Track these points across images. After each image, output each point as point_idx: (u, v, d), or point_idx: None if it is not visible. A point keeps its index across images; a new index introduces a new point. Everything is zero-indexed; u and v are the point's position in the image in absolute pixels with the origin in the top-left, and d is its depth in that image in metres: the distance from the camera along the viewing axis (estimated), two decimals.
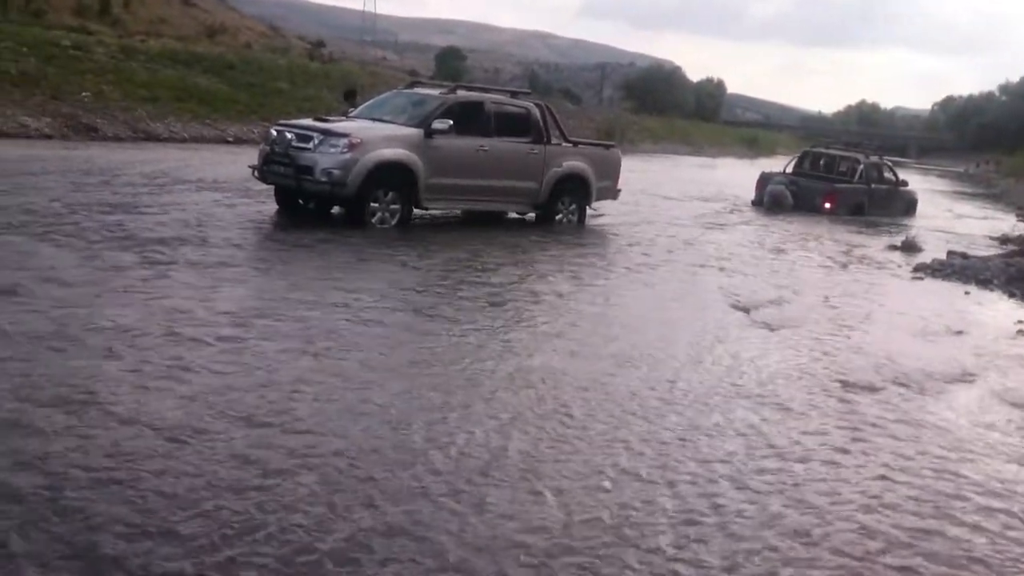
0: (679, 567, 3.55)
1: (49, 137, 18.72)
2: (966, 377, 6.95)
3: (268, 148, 11.40)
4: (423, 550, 3.46)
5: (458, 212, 12.76)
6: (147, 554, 3.24)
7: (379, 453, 4.31)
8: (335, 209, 11.60)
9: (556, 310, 7.87)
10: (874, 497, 4.42)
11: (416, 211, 11.63)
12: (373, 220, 10.98)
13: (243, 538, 3.41)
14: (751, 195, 20.60)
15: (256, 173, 11.64)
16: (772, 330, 7.86)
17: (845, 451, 5.02)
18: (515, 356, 6.20)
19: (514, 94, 13.73)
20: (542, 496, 4.02)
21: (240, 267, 8.19)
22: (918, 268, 12.41)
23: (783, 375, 6.43)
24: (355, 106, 13.28)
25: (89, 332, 5.64)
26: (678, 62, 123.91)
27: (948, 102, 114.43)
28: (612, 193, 14.18)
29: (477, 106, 12.25)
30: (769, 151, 60.01)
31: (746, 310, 8.58)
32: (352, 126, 11.44)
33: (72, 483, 3.68)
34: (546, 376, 5.79)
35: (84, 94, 21.55)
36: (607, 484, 4.22)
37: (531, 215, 13.17)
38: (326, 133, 11.00)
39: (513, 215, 13.19)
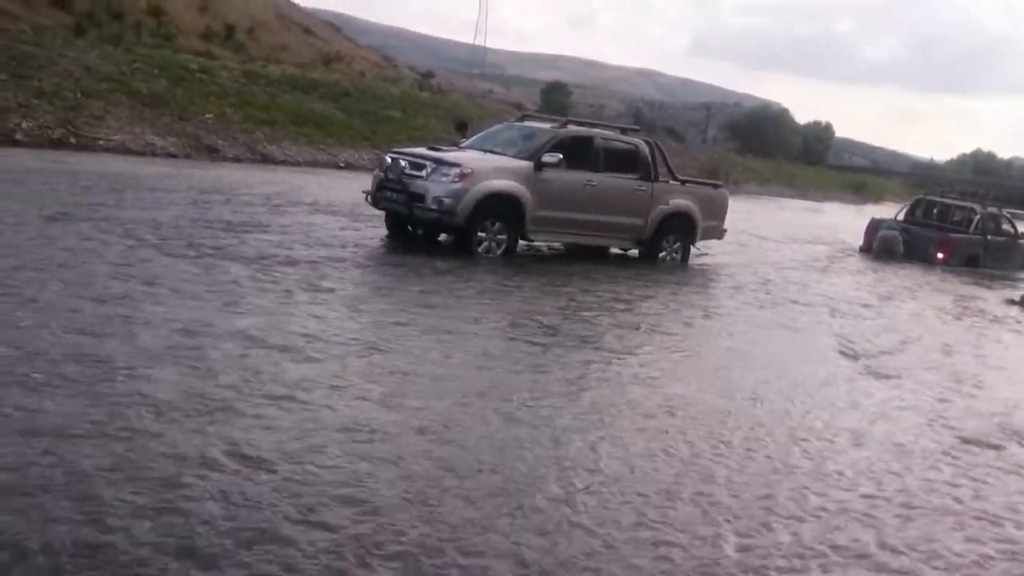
0: None
1: (173, 156, 19.69)
2: None
3: (382, 175, 11.72)
4: None
5: (560, 245, 12.86)
6: None
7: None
8: (443, 237, 11.83)
9: (667, 348, 7.82)
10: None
11: (521, 242, 11.76)
12: (480, 249, 11.16)
13: None
14: (859, 241, 20.10)
15: (369, 198, 11.98)
16: (886, 379, 7.64)
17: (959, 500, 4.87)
18: (646, 387, 6.22)
19: (624, 130, 13.78)
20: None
21: (351, 291, 8.43)
22: None
23: (901, 427, 6.24)
24: (466, 137, 13.56)
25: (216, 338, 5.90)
26: (785, 104, 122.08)
27: None
28: (718, 233, 14.05)
29: (587, 141, 12.35)
30: (877, 197, 58.43)
31: (858, 358, 8.38)
32: (464, 156, 11.67)
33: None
34: (682, 406, 5.89)
35: (208, 115, 22.58)
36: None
37: (634, 251, 13.15)
38: (438, 162, 11.26)
39: (616, 250, 13.20)
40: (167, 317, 6.34)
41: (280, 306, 7.24)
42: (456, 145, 12.99)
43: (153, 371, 5.18)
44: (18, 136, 17.75)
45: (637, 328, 8.56)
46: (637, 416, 5.69)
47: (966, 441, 6.10)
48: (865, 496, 4.81)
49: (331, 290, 8.11)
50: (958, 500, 4.97)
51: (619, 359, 7.15)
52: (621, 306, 9.50)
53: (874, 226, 20.03)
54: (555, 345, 7.27)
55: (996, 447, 6.07)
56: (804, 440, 5.61)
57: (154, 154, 19.43)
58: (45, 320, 5.86)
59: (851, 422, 6.19)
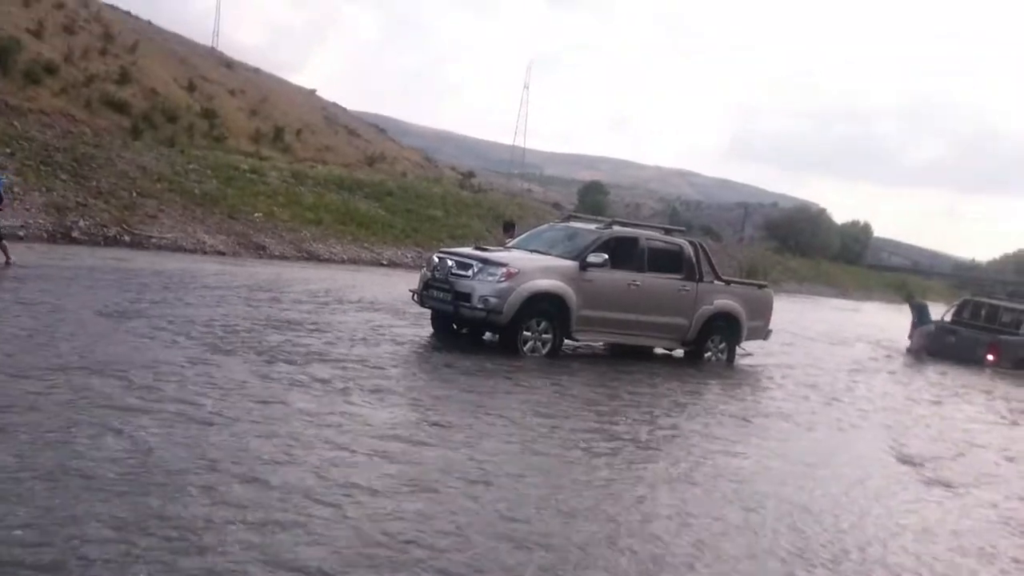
0: None
1: (222, 253, 20.16)
2: None
3: (429, 274, 11.87)
4: None
5: (601, 345, 12.84)
6: None
7: None
8: (488, 335, 11.88)
9: (717, 455, 7.69)
10: None
11: (566, 341, 11.77)
12: (525, 348, 11.18)
13: None
14: (904, 341, 19.85)
15: (416, 297, 12.11)
16: (949, 488, 7.43)
17: None
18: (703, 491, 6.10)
19: (668, 231, 13.89)
20: None
21: (399, 392, 8.45)
22: None
23: (961, 541, 6.03)
24: (513, 237, 13.74)
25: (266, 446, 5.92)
26: (823, 204, 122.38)
27: None
28: (763, 333, 13.97)
29: (632, 241, 12.45)
30: (920, 297, 57.80)
31: (915, 464, 8.17)
32: (510, 256, 11.81)
33: None
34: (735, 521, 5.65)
35: (256, 214, 23.18)
36: None
37: (679, 352, 13.08)
38: (485, 262, 11.39)
39: (661, 351, 13.15)
40: (218, 423, 6.39)
41: (334, 407, 7.26)
42: (503, 246, 13.16)
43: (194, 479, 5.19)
44: (75, 234, 18.32)
45: (678, 435, 8.44)
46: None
47: None
48: None
49: (380, 391, 8.12)
50: None
51: (676, 467, 7.04)
52: (660, 411, 9.40)
53: (921, 328, 19.80)
54: (609, 453, 7.18)
55: None
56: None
57: (204, 252, 19.91)
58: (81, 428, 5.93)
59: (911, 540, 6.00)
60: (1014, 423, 11.86)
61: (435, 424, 7.17)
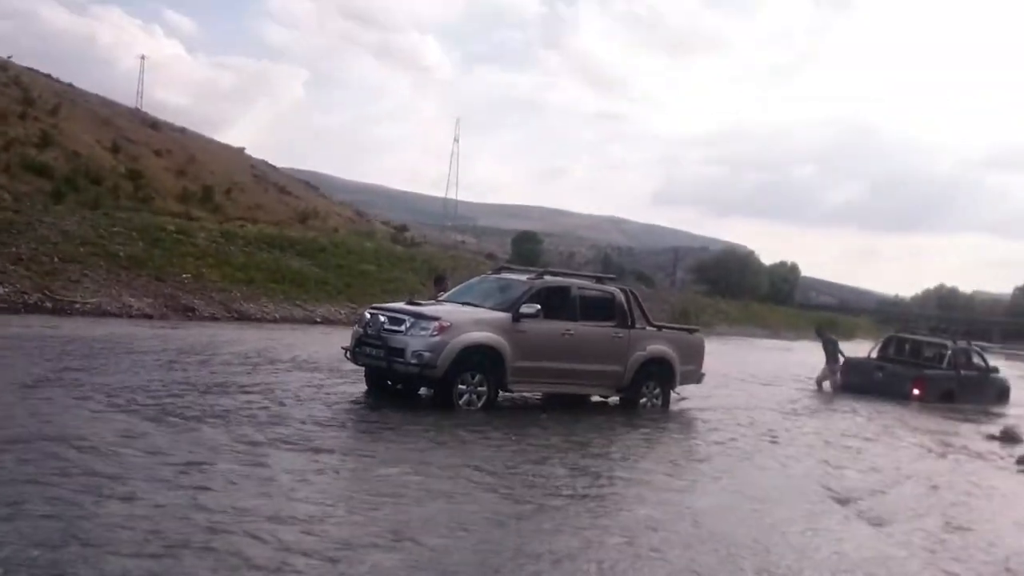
0: None
1: (149, 316, 19.70)
2: None
3: (361, 330, 11.77)
4: None
5: (538, 395, 12.84)
6: None
7: None
8: (423, 390, 11.79)
9: (651, 502, 7.71)
10: None
11: (502, 393, 11.73)
12: (460, 402, 11.10)
13: None
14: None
15: (348, 354, 11.98)
16: (876, 526, 7.55)
17: None
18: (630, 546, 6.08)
19: (599, 279, 14.02)
20: None
21: (329, 451, 8.31)
22: (1022, 460, 11.89)
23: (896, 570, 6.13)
24: (445, 290, 13.73)
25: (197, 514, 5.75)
26: (750, 246, 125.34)
27: None
28: (696, 377, 14.12)
29: (563, 291, 12.53)
30: (848, 335, 59.18)
31: (845, 502, 8.30)
32: (442, 310, 11.78)
33: None
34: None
35: (184, 275, 22.77)
36: None
37: (615, 399, 13.14)
38: (417, 316, 11.34)
39: (597, 398, 13.19)
40: (138, 496, 6.20)
41: (257, 473, 7.10)
42: (435, 299, 13.14)
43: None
44: None
45: (625, 480, 8.45)
46: None
47: None
48: None
49: (312, 451, 7.98)
50: None
51: (606, 513, 7.03)
52: (601, 458, 9.42)
53: (848, 366, 20.28)
54: (526, 501, 7.15)
55: None
56: None
57: (130, 315, 19.43)
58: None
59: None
60: (941, 455, 12.15)
61: (367, 490, 7.06)
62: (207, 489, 6.34)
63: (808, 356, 34.08)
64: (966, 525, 7.99)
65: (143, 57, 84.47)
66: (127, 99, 64.10)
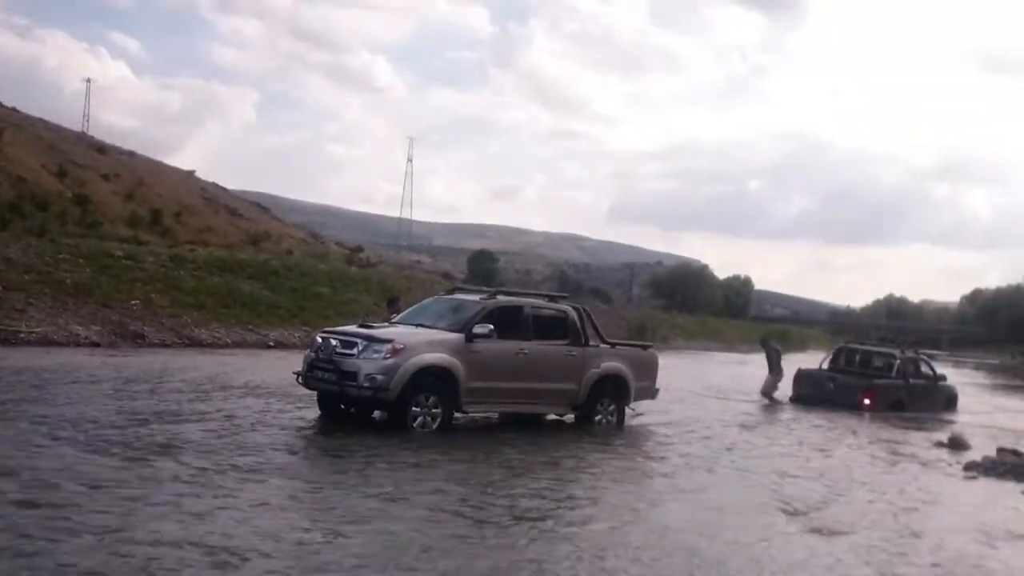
0: None
1: (97, 344, 19.30)
2: None
3: (313, 355, 11.66)
4: None
5: (495, 415, 12.81)
6: None
7: None
8: (377, 413, 11.70)
9: (607, 518, 7.72)
10: None
11: (456, 414, 11.68)
12: (415, 424, 11.03)
13: None
14: (788, 392, 20.48)
15: (300, 379, 11.85)
16: (824, 537, 7.63)
17: None
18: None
19: (552, 298, 14.06)
20: None
21: (285, 478, 8.20)
22: (969, 467, 12.10)
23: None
24: (398, 312, 13.66)
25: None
26: (705, 260, 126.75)
27: (976, 295, 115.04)
28: (651, 393, 14.18)
29: (516, 310, 12.54)
30: (801, 346, 60.01)
31: (796, 514, 8.38)
32: (394, 332, 11.72)
33: None
34: None
35: (133, 302, 22.38)
36: None
37: (570, 416, 13.15)
38: (370, 339, 11.27)
39: (552, 417, 13.19)
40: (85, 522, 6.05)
41: (209, 502, 6.98)
42: (388, 321, 13.07)
43: None
44: None
45: (580, 500, 8.45)
46: None
47: None
48: None
49: (261, 481, 7.86)
50: None
51: (561, 536, 7.02)
52: (560, 477, 9.41)
53: (801, 377, 20.55)
54: (491, 523, 7.12)
55: None
56: None
57: (78, 344, 19.03)
58: None
59: None
60: (892, 464, 12.33)
61: (317, 519, 6.97)
62: (160, 519, 6.21)
63: (762, 370, 34.52)
64: (914, 532, 8.11)
65: (89, 80, 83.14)
66: (73, 123, 63.23)
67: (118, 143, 58.75)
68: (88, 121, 72.67)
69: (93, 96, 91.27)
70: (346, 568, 5.63)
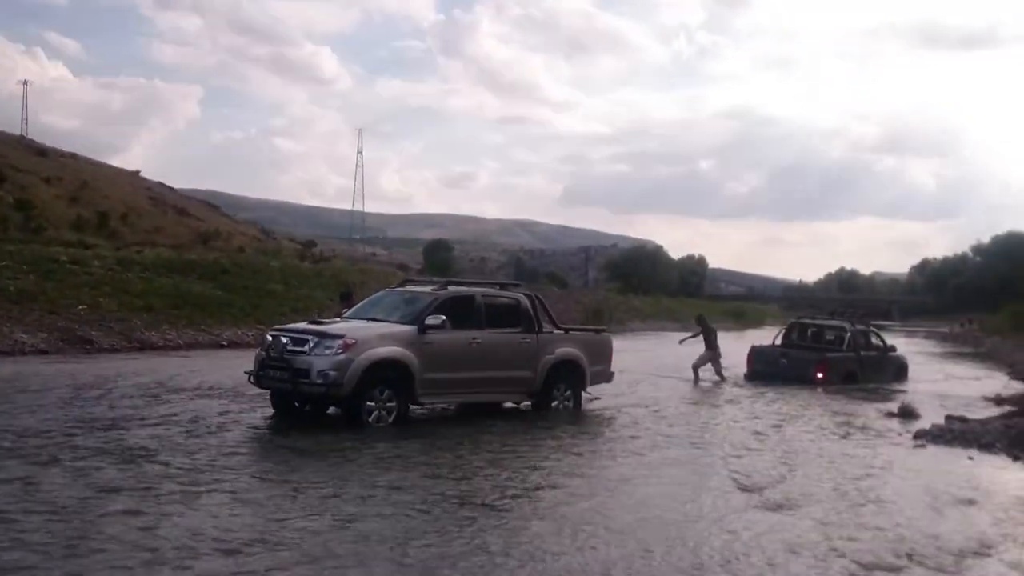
0: None
1: (44, 352, 18.90)
2: (983, 550, 6.79)
3: (264, 353, 11.53)
4: None
5: (452, 406, 12.78)
6: None
7: None
8: (331, 409, 11.60)
9: (564, 505, 7.73)
10: None
11: (412, 407, 11.63)
12: (370, 419, 10.96)
13: None
14: (743, 369, 20.72)
15: (252, 379, 11.70)
16: (779, 511, 7.73)
17: None
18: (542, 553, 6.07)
19: (503, 286, 14.05)
20: None
21: (236, 481, 8.10)
22: (918, 435, 12.33)
23: (797, 560, 6.27)
24: (351, 306, 13.55)
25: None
26: (659, 241, 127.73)
27: (924, 265, 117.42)
28: (606, 376, 14.25)
29: (468, 300, 12.50)
30: (757, 323, 60.79)
31: (751, 491, 8.47)
32: (346, 327, 11.62)
33: None
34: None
35: (80, 307, 21.95)
36: None
37: (527, 403, 13.16)
38: (321, 335, 11.16)
39: (510, 404, 13.20)
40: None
41: (162, 508, 6.86)
42: (340, 316, 12.97)
43: None
44: None
45: (536, 487, 8.46)
46: None
47: (866, 567, 6.18)
48: None
49: (212, 487, 7.74)
50: None
51: (520, 521, 7.03)
52: (517, 463, 9.42)
53: (755, 354, 20.82)
54: (446, 514, 7.10)
55: (895, 570, 6.17)
56: None
57: (24, 352, 18.61)
58: None
59: (749, 566, 6.20)
60: (843, 436, 12.53)
61: (279, 518, 6.90)
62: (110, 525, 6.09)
63: (722, 347, 34.80)
64: (862, 501, 8.24)
65: (26, 82, 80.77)
66: (11, 127, 61.72)
67: (59, 145, 57.55)
68: (27, 124, 71.04)
69: (31, 98, 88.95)
70: (315, 558, 5.58)
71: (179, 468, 8.18)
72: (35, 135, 63.17)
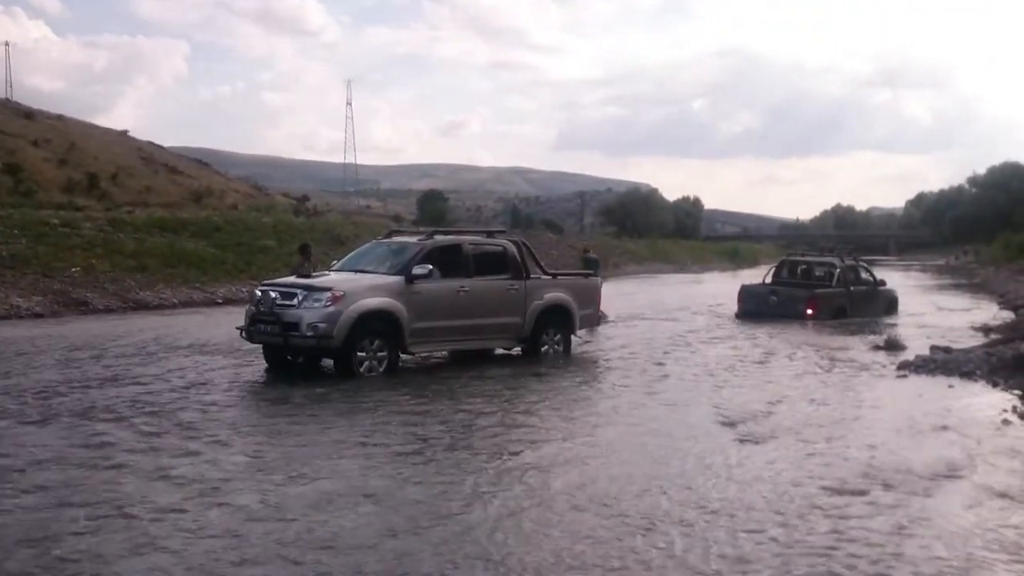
0: None
1: (40, 315, 19.04)
2: (953, 473, 7.00)
3: (254, 308, 11.68)
4: None
5: (443, 353, 12.97)
6: None
7: None
8: (324, 361, 11.78)
9: (553, 441, 7.93)
10: None
11: (403, 356, 11.82)
12: (362, 369, 11.14)
13: None
14: (735, 308, 20.91)
15: (243, 334, 11.87)
16: (759, 443, 7.94)
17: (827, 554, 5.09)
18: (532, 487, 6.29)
19: (490, 233, 14.14)
20: None
21: (231, 434, 8.30)
22: (902, 366, 12.55)
23: (764, 485, 6.49)
24: (310, 260, 13.87)
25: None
26: (654, 184, 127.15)
27: (920, 199, 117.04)
28: (595, 320, 14.44)
29: (455, 249, 12.62)
30: (752, 262, 61.00)
31: (734, 424, 8.68)
32: (334, 279, 11.77)
33: None
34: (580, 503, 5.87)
35: (74, 269, 22.05)
36: None
37: (517, 349, 13.35)
38: (309, 289, 11.31)
39: (500, 351, 13.39)
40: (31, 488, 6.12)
41: (160, 462, 7.06)
42: (297, 269, 13.40)
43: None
44: None
45: (508, 438, 8.66)
46: None
47: (832, 491, 6.40)
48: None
49: (214, 435, 7.95)
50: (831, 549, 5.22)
51: (514, 462, 7.24)
52: (509, 407, 9.63)
53: (745, 292, 21.00)
54: (433, 459, 7.31)
55: (861, 492, 6.38)
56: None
57: (20, 316, 18.76)
58: None
59: (730, 487, 6.41)
60: (828, 370, 12.74)
61: (279, 469, 7.10)
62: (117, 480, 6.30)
63: (716, 287, 35.18)
64: (840, 432, 8.45)
65: (8, 44, 79.84)
66: None
67: (46, 107, 57.06)
68: (11, 87, 70.49)
69: (14, 60, 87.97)
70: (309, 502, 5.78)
71: (169, 424, 8.36)
72: (21, 98, 62.74)
